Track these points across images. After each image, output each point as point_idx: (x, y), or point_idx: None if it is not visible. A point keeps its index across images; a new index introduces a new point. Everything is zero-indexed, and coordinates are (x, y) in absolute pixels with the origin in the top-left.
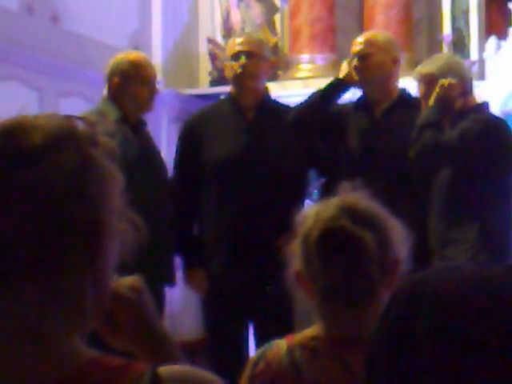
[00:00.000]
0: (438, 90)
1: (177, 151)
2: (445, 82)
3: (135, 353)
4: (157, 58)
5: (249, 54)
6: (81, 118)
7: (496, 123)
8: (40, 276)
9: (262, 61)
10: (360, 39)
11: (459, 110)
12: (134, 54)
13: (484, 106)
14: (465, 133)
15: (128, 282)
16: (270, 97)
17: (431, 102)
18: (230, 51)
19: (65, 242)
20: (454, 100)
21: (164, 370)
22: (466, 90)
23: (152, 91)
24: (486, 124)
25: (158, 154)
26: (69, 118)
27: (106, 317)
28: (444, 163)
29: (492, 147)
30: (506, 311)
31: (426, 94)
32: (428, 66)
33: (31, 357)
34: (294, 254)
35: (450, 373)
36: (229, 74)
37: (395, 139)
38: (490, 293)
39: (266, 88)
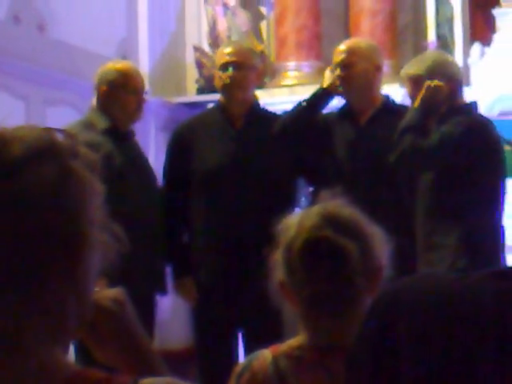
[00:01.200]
0: (424, 91)
1: (166, 160)
2: (431, 83)
3: (118, 365)
4: (144, 66)
5: (237, 65)
6: (60, 130)
7: (480, 125)
8: (20, 288)
9: (250, 71)
10: (342, 48)
11: (447, 110)
12: (122, 64)
13: (472, 106)
14: (445, 137)
15: (110, 294)
16: (258, 105)
17: (416, 103)
18: (218, 61)
19: (45, 253)
20: (440, 102)
21: (146, 382)
22: (455, 90)
23: (140, 101)
24: (468, 127)
25: (147, 163)
26: (48, 129)
27: (88, 329)
28: (424, 168)
29: (474, 150)
30: (486, 318)
31: (414, 95)
32: (415, 67)
33: (10, 369)
34: (278, 264)
35: (430, 379)
36: (217, 83)
37: (380, 147)
38: (469, 300)
39: (255, 96)
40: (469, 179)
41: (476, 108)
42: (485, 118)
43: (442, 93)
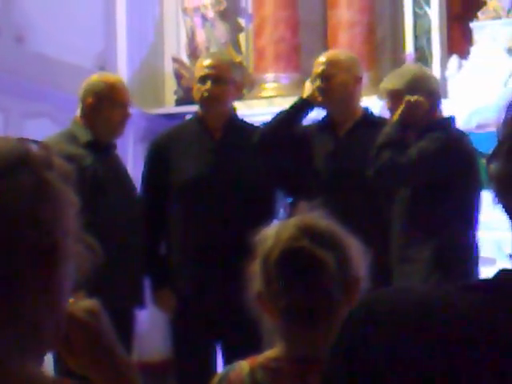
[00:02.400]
0: (403, 106)
1: (144, 171)
2: (411, 98)
3: (93, 377)
4: (122, 77)
5: (216, 79)
6: (35, 141)
7: (456, 140)
8: None
9: (228, 85)
10: (322, 59)
11: (425, 126)
12: (109, 76)
13: (450, 120)
14: (422, 153)
15: (85, 305)
16: (237, 117)
17: (395, 117)
18: (197, 73)
19: (19, 264)
20: (419, 117)
21: None
22: (434, 104)
23: (125, 115)
24: (445, 142)
25: (128, 176)
26: (23, 140)
27: (63, 341)
28: (401, 184)
29: (450, 165)
30: (458, 330)
31: (393, 109)
32: (394, 81)
33: None
34: (255, 275)
35: None
36: (196, 96)
37: (359, 159)
38: (442, 313)
39: (234, 108)
40: (444, 194)
41: (453, 122)
42: (461, 132)
43: (422, 108)
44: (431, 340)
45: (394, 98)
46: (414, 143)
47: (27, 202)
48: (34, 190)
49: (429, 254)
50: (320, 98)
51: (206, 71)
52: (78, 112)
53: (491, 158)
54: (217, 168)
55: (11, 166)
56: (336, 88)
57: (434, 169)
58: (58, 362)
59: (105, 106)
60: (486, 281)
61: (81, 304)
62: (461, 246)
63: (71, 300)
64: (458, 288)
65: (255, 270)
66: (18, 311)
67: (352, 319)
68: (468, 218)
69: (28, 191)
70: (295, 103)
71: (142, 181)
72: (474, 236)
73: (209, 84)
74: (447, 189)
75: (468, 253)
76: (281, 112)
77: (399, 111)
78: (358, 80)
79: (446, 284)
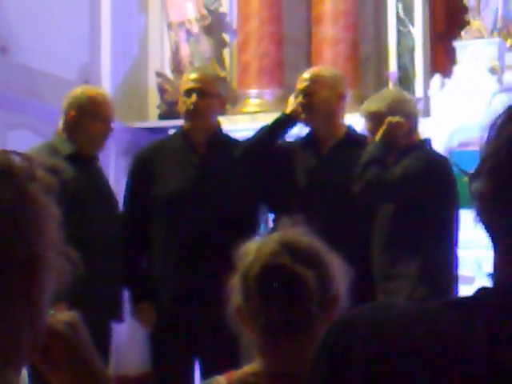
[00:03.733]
0: (385, 127)
1: (127, 184)
2: (392, 119)
3: None
4: (106, 90)
5: (201, 93)
6: (18, 153)
7: (436, 160)
8: None
9: (213, 99)
10: (306, 75)
11: (403, 147)
12: (93, 90)
13: (426, 142)
14: (407, 170)
15: (64, 317)
16: (221, 131)
17: (377, 137)
18: (183, 86)
19: None
20: (400, 137)
21: None
22: (412, 126)
23: (107, 129)
24: (427, 161)
25: (110, 189)
26: (5, 152)
27: (41, 353)
28: (386, 200)
29: (432, 183)
30: (440, 347)
31: (373, 131)
32: (376, 104)
33: None
34: (235, 289)
35: None
36: (181, 109)
37: (341, 177)
38: (423, 329)
39: (218, 122)
40: (426, 212)
41: (430, 144)
42: (439, 153)
43: (403, 128)
44: (411, 356)
45: (375, 119)
46: (393, 164)
47: (8, 214)
48: (15, 201)
49: (414, 270)
50: (302, 114)
51: (192, 84)
52: (60, 125)
53: (474, 176)
54: (200, 182)
55: None
56: (318, 104)
57: (417, 186)
58: (32, 376)
59: (87, 120)
60: (465, 298)
61: (60, 316)
62: (444, 264)
63: (51, 312)
64: (438, 305)
65: (235, 284)
66: None
67: (332, 335)
68: (448, 236)
69: (10, 203)
70: (278, 119)
71: (125, 193)
72: (454, 254)
73: (194, 97)
74: (429, 208)
75: (450, 270)
76: (263, 127)
77: (381, 132)
78: (342, 97)
79: (427, 301)
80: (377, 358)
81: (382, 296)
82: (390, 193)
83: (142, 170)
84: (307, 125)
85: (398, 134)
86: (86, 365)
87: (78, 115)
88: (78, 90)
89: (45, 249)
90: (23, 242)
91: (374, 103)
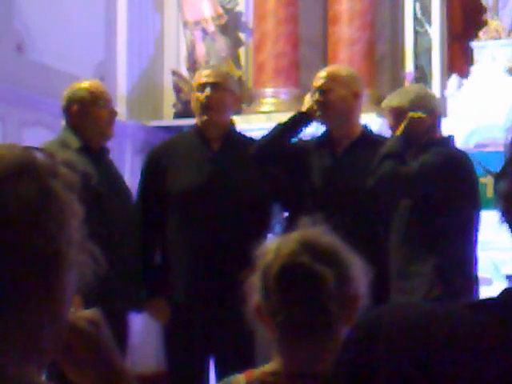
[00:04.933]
0: (406, 122)
1: (141, 180)
2: (414, 114)
3: None
4: (122, 89)
5: (214, 86)
6: (40, 149)
7: (457, 157)
8: None
9: (227, 93)
10: (322, 73)
11: (425, 143)
12: (88, 82)
13: (449, 139)
14: (424, 165)
15: (86, 315)
16: (235, 129)
17: (398, 132)
18: (196, 82)
19: (22, 272)
20: (421, 133)
21: None
22: (434, 124)
23: (111, 113)
24: (447, 157)
25: (122, 181)
26: (28, 148)
27: (64, 350)
28: (401, 195)
29: (451, 181)
30: (464, 345)
31: (395, 127)
32: (398, 99)
33: None
34: (254, 288)
35: None
36: (194, 105)
37: (356, 177)
38: (447, 330)
39: (232, 120)
40: (443, 210)
41: (453, 141)
42: (461, 151)
43: (424, 124)
44: (436, 356)
45: (397, 115)
46: (412, 160)
47: (31, 210)
48: (38, 197)
49: (430, 269)
50: (318, 112)
51: (205, 79)
52: (64, 123)
53: (499, 176)
54: (214, 179)
55: (16, 173)
56: (334, 102)
57: (433, 182)
58: (50, 374)
59: (90, 109)
60: (490, 300)
61: (82, 313)
62: (461, 263)
63: (72, 309)
64: (462, 306)
65: (254, 282)
66: (20, 319)
67: (355, 336)
68: (467, 235)
69: (32, 199)
70: (293, 116)
71: (139, 188)
72: (473, 253)
73: (208, 90)
74: (446, 205)
75: (468, 270)
76: (278, 125)
77: (402, 127)
78: (358, 96)
79: (450, 302)
80: (401, 358)
81: (397, 294)
82: (404, 187)
83: (157, 166)
84: (323, 123)
85: (419, 130)
86: (108, 363)
87: (80, 107)
88: (74, 85)
89: (67, 245)
90: (45, 238)
91: (396, 98)
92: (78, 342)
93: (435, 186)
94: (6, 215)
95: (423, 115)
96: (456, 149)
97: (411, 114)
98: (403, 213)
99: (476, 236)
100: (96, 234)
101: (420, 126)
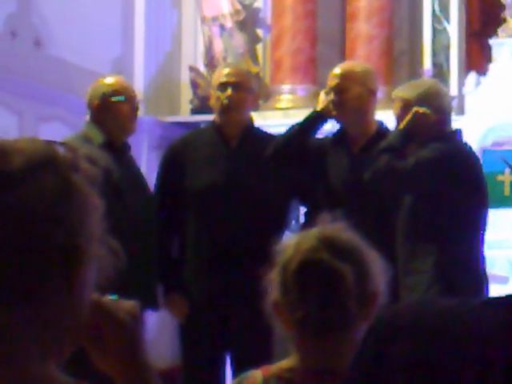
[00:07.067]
0: (410, 116)
1: (158, 175)
2: (419, 110)
3: (117, 378)
4: (139, 84)
5: (236, 86)
6: (62, 143)
7: (456, 153)
8: (17, 300)
9: (248, 93)
10: (336, 71)
11: (430, 140)
12: (112, 77)
13: (455, 133)
14: (420, 161)
15: (126, 306)
16: (254, 126)
17: (400, 126)
18: (216, 81)
19: (43, 266)
20: (424, 129)
21: None
22: (441, 121)
23: (133, 109)
24: (444, 153)
25: (142, 177)
26: (50, 142)
27: (97, 337)
28: (396, 190)
29: (449, 176)
30: (483, 344)
31: (399, 117)
32: (407, 91)
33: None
34: (273, 283)
35: None
36: (214, 104)
37: None
38: (467, 328)
39: (251, 117)
40: (446, 206)
41: (459, 135)
42: (467, 146)
43: (428, 121)
44: (454, 354)
45: (403, 106)
46: (413, 155)
47: (52, 203)
48: (59, 191)
49: (432, 265)
50: (334, 112)
51: (226, 79)
52: (87, 118)
53: None
54: (231, 175)
55: (37, 166)
56: (349, 101)
57: (432, 178)
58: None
59: (112, 104)
60: (506, 298)
61: (123, 305)
62: (464, 260)
63: (113, 298)
64: (481, 304)
65: (273, 278)
66: (40, 313)
67: (373, 333)
68: (471, 232)
69: (54, 192)
70: (309, 116)
71: (157, 185)
72: (479, 251)
73: (229, 91)
74: (449, 202)
75: (473, 267)
76: (294, 124)
77: (405, 121)
78: (373, 93)
79: (469, 299)
80: (419, 355)
81: (404, 291)
82: (399, 182)
83: (174, 162)
84: (338, 121)
85: (423, 126)
86: (136, 356)
87: (102, 102)
88: (98, 81)
89: (87, 239)
90: (66, 232)
91: (405, 89)
92: (114, 332)
93: (433, 183)
94: (26, 208)
95: (427, 111)
96: (460, 144)
97: (416, 108)
98: (406, 210)
99: (482, 233)
100: (116, 230)
101: (424, 121)
